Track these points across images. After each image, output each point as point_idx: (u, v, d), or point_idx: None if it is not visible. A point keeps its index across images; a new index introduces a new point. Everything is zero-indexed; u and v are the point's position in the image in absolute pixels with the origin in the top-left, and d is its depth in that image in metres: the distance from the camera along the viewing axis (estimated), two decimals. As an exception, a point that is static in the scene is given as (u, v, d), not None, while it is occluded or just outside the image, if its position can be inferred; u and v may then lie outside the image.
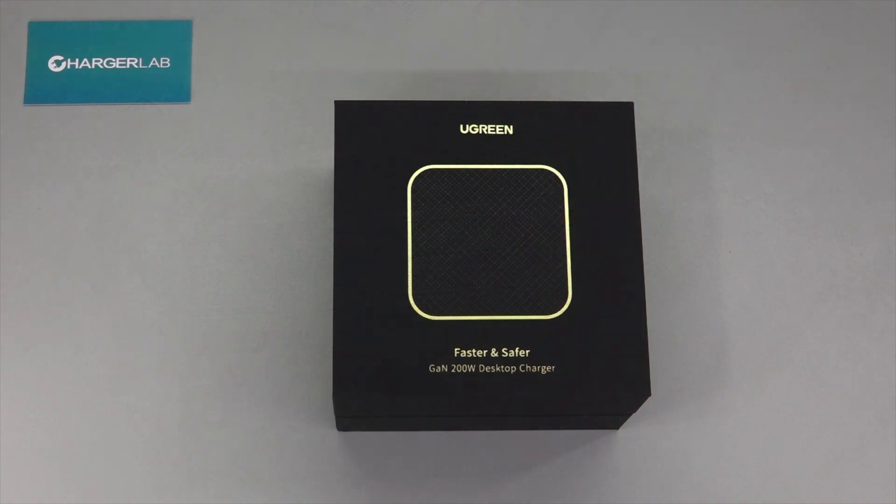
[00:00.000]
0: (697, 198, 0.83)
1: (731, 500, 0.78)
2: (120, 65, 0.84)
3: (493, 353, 0.70)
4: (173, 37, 0.85)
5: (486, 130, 0.74)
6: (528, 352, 0.70)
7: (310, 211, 0.82)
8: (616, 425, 0.78)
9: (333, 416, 0.77)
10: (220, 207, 0.82)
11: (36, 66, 0.84)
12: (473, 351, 0.70)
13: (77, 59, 0.84)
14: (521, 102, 0.75)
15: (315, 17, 0.86)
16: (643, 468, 0.78)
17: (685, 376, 0.80)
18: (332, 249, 0.72)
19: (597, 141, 0.74)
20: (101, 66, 0.84)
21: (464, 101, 0.75)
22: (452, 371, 0.70)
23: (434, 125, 0.74)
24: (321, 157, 0.82)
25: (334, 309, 0.70)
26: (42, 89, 0.84)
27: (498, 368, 0.70)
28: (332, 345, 0.70)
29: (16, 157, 0.82)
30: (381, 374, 0.70)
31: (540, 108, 0.75)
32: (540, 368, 0.70)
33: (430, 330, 0.70)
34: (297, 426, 0.78)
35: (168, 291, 0.80)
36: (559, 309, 0.71)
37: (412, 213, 0.72)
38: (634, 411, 0.76)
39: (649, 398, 0.72)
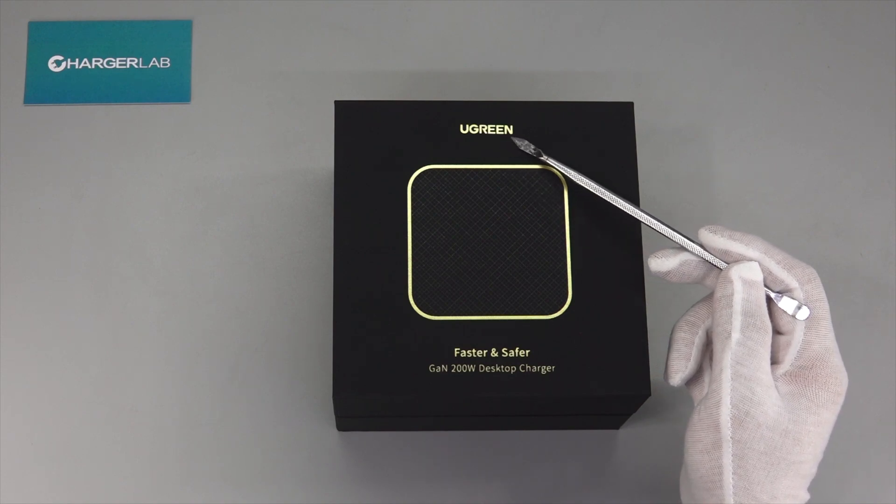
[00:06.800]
0: (697, 198, 0.83)
1: (731, 500, 0.78)
2: (120, 65, 0.84)
3: (493, 353, 0.70)
4: (173, 37, 0.85)
5: (486, 130, 0.74)
6: (528, 352, 0.70)
7: (310, 211, 0.82)
8: (616, 425, 0.78)
9: (333, 416, 0.77)
10: (220, 207, 0.82)
11: (36, 66, 0.84)
12: (473, 351, 0.70)
13: (77, 59, 0.84)
14: (521, 102, 0.75)
15: (315, 17, 0.86)
16: (643, 468, 0.78)
17: (685, 376, 0.80)
18: (332, 249, 0.72)
19: (597, 141, 0.74)
20: (101, 66, 0.84)
21: (464, 101, 0.75)
22: (452, 371, 0.70)
23: (434, 125, 0.74)
24: (321, 157, 0.82)
25: (334, 309, 0.70)
26: (42, 89, 0.84)
27: (498, 368, 0.70)
28: (332, 345, 0.70)
29: (16, 157, 0.82)
30: (381, 375, 0.70)
31: (540, 108, 0.75)
32: (540, 368, 0.70)
33: (430, 330, 0.70)
34: (297, 426, 0.78)
35: (168, 291, 0.80)
36: (559, 309, 0.71)
37: (412, 212, 0.72)
38: (634, 411, 0.75)
39: (649, 398, 0.72)
